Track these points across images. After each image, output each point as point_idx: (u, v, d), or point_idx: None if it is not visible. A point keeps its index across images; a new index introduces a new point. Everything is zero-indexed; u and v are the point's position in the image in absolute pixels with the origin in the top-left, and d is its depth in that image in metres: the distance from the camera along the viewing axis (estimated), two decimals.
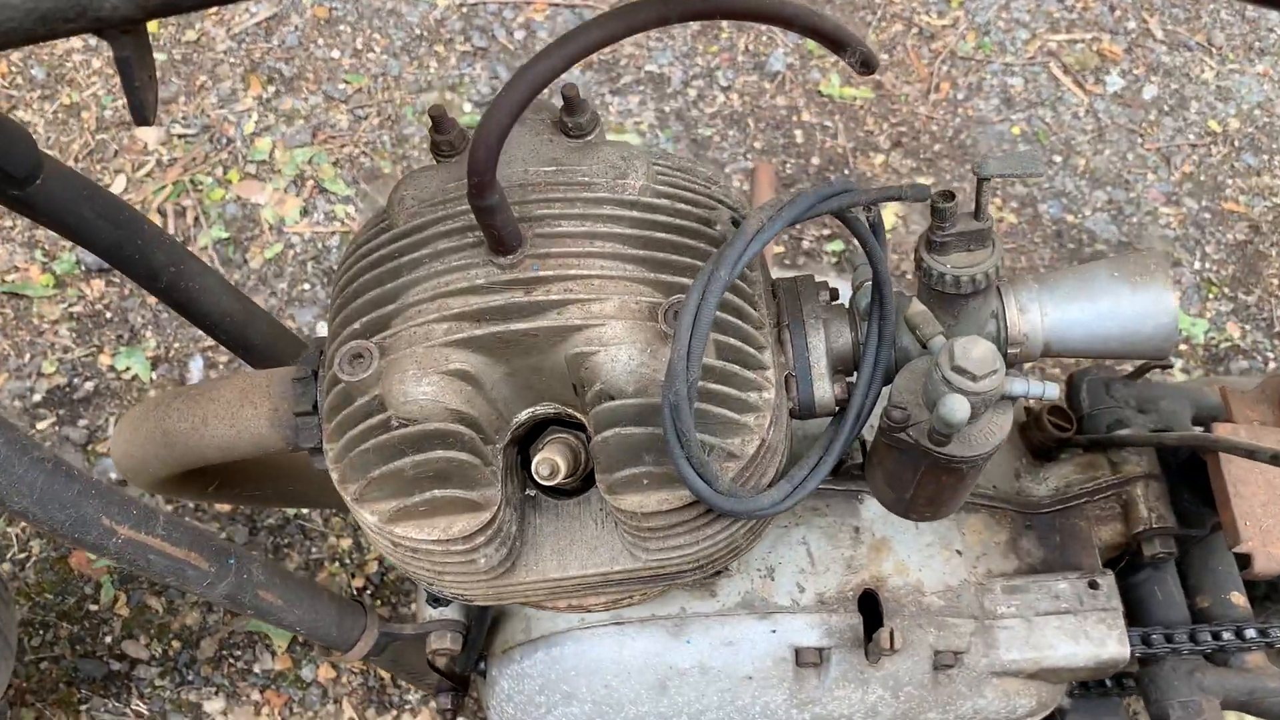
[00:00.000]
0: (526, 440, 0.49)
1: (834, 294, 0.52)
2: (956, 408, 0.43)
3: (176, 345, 1.24)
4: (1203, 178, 1.49)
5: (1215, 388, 0.70)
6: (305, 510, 1.13)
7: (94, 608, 1.07)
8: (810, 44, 1.56)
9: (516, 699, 0.64)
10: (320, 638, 0.60)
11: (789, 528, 0.64)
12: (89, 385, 1.20)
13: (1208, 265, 1.45)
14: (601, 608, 0.55)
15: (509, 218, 0.42)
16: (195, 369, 1.22)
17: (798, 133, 1.45)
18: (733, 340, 0.45)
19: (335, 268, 0.46)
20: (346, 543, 1.14)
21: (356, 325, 0.46)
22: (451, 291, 0.43)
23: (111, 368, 1.22)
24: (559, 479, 0.47)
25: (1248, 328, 1.40)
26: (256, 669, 1.07)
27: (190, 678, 1.06)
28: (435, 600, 0.61)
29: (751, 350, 0.46)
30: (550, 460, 0.46)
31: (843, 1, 1.59)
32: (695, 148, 1.45)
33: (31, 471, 0.44)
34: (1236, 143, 1.53)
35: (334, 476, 0.47)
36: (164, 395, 0.56)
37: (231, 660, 1.07)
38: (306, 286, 1.29)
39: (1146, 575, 0.74)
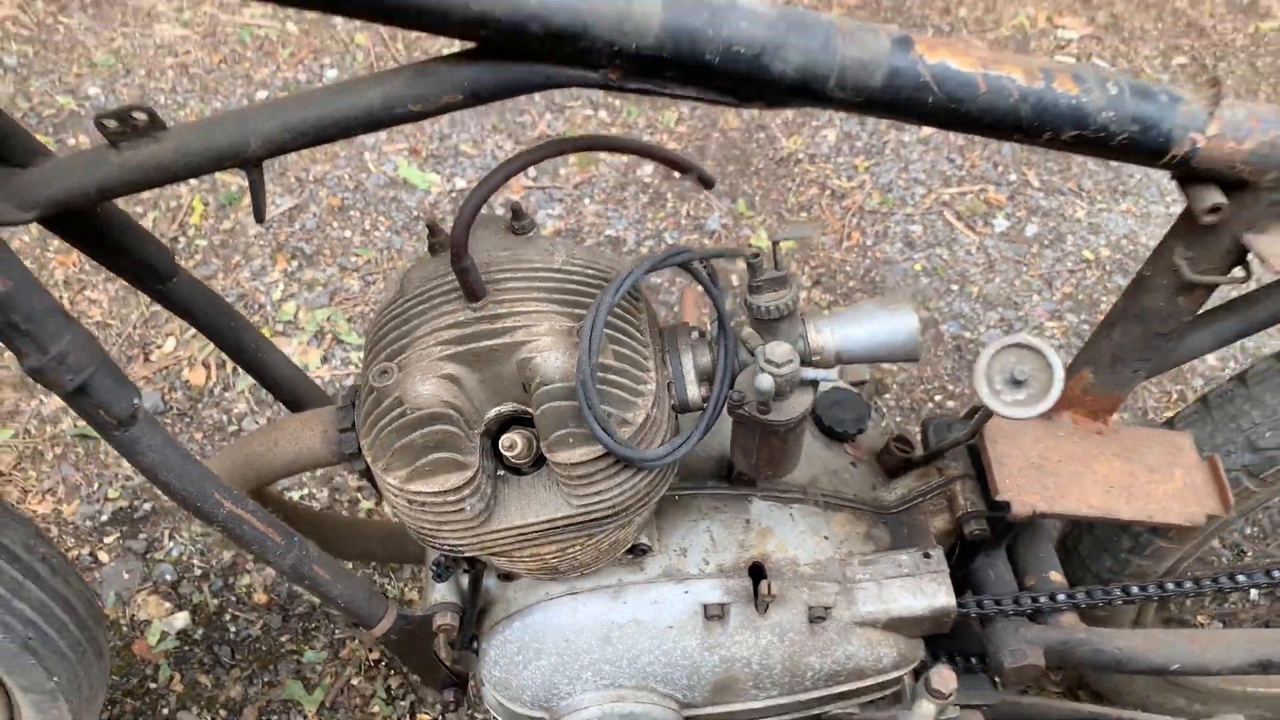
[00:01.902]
0: (496, 435, 0.73)
1: (702, 333, 0.77)
2: (764, 381, 0.68)
3: None
4: (1080, 297, 1.77)
5: None
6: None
7: (153, 685, 1.27)
8: (740, 205, 1.87)
9: (501, 661, 0.85)
10: (355, 611, 0.82)
11: (697, 520, 0.87)
12: (146, 506, 1.43)
13: None
14: (555, 558, 0.77)
15: (478, 277, 0.68)
16: None
17: (733, 276, 1.74)
18: (624, 350, 0.70)
19: (366, 334, 0.67)
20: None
21: (383, 354, 0.70)
22: (443, 326, 0.69)
23: None
24: (517, 454, 0.70)
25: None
26: None
27: None
28: (438, 572, 0.83)
29: (637, 358, 0.70)
30: (513, 439, 0.70)
31: (767, 172, 1.91)
32: (648, 289, 1.73)
33: (177, 458, 0.68)
34: (1108, 267, 1.82)
35: (368, 458, 0.71)
36: (246, 434, 0.81)
37: None
38: None
39: (982, 561, 0.96)
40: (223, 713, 1.26)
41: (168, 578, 1.35)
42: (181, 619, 1.32)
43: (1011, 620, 0.91)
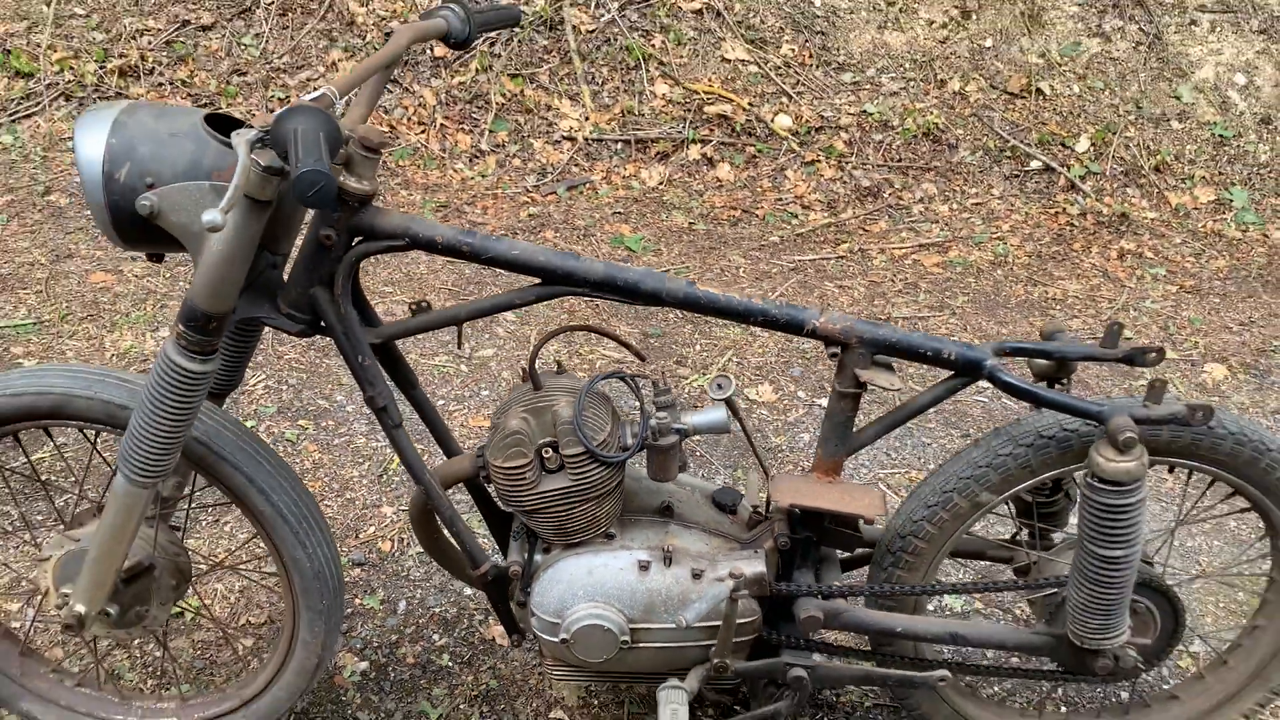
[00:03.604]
0: (540, 450, 1.67)
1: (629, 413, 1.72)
2: (655, 424, 1.63)
3: None
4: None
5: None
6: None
7: (343, 698, 2.10)
8: (738, 473, 2.79)
9: (540, 594, 1.71)
10: (471, 551, 1.72)
11: (640, 528, 1.76)
12: (358, 602, 2.32)
13: None
14: (565, 521, 1.66)
15: (538, 383, 1.67)
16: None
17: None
18: (594, 411, 1.65)
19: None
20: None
21: (499, 413, 1.68)
22: (523, 400, 1.66)
23: None
24: (549, 459, 1.65)
25: None
26: None
27: None
28: (516, 534, 1.73)
29: (601, 415, 1.65)
30: (549, 452, 1.65)
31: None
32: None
33: (412, 452, 1.65)
34: None
35: (489, 456, 1.65)
36: (444, 461, 1.77)
37: None
38: None
39: (800, 568, 1.78)
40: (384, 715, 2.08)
41: (357, 645, 2.23)
42: (364, 665, 2.18)
43: (807, 597, 1.74)
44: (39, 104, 4.56)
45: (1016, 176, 4.53)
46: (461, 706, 2.08)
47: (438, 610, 2.32)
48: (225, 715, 1.91)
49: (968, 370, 1.61)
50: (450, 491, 1.90)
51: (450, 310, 1.61)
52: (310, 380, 3.07)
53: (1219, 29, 4.78)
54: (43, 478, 2.52)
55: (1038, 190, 4.50)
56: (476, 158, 4.36)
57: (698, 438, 2.67)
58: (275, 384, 3.05)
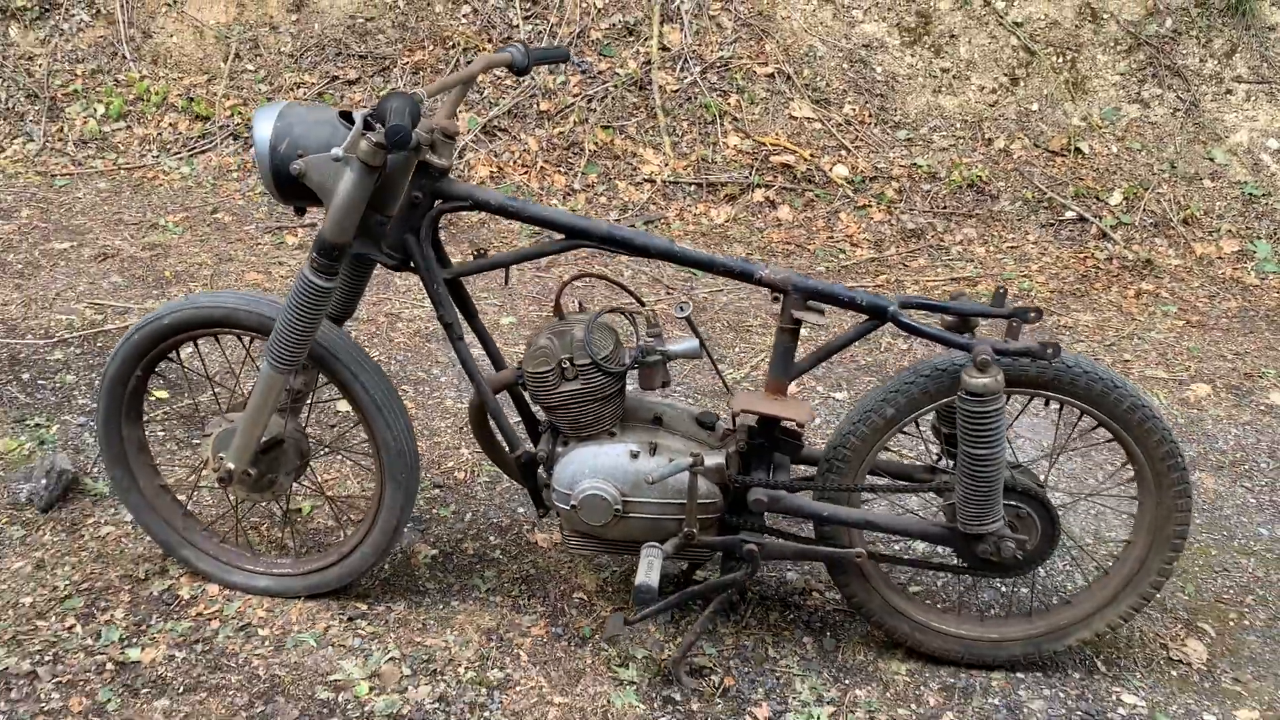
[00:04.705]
0: (561, 363, 2.28)
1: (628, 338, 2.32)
2: (646, 349, 2.22)
3: None
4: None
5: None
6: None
7: (416, 571, 2.72)
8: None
9: (558, 472, 2.31)
10: (509, 437, 2.34)
11: (636, 431, 2.34)
12: (435, 511, 2.96)
13: None
14: (579, 416, 2.25)
15: (562, 314, 2.28)
16: None
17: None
18: (600, 333, 2.25)
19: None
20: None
21: (530, 340, 2.30)
22: (551, 324, 2.28)
23: None
24: (567, 370, 2.25)
25: None
26: None
27: None
28: (543, 430, 2.33)
29: (606, 337, 2.25)
30: (567, 364, 2.26)
31: None
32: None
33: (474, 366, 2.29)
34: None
35: (526, 368, 2.27)
36: (491, 374, 2.39)
37: None
38: None
39: (757, 468, 2.33)
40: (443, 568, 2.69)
41: (431, 539, 2.85)
42: (434, 552, 2.80)
43: (757, 487, 2.29)
44: (212, 142, 5.48)
45: (1052, 225, 5.01)
46: (505, 584, 2.68)
47: (495, 521, 2.94)
48: (326, 567, 2.55)
49: (875, 314, 2.17)
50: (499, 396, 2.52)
51: (500, 256, 2.26)
52: (414, 358, 3.77)
53: (1254, 98, 5.21)
54: (211, 376, 3.25)
55: (1070, 237, 4.96)
56: (569, 195, 5.07)
57: (681, 362, 3.25)
58: (387, 359, 3.75)
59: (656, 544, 2.30)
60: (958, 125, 5.32)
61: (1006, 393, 2.13)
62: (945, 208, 5.05)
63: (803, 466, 2.46)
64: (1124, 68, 5.31)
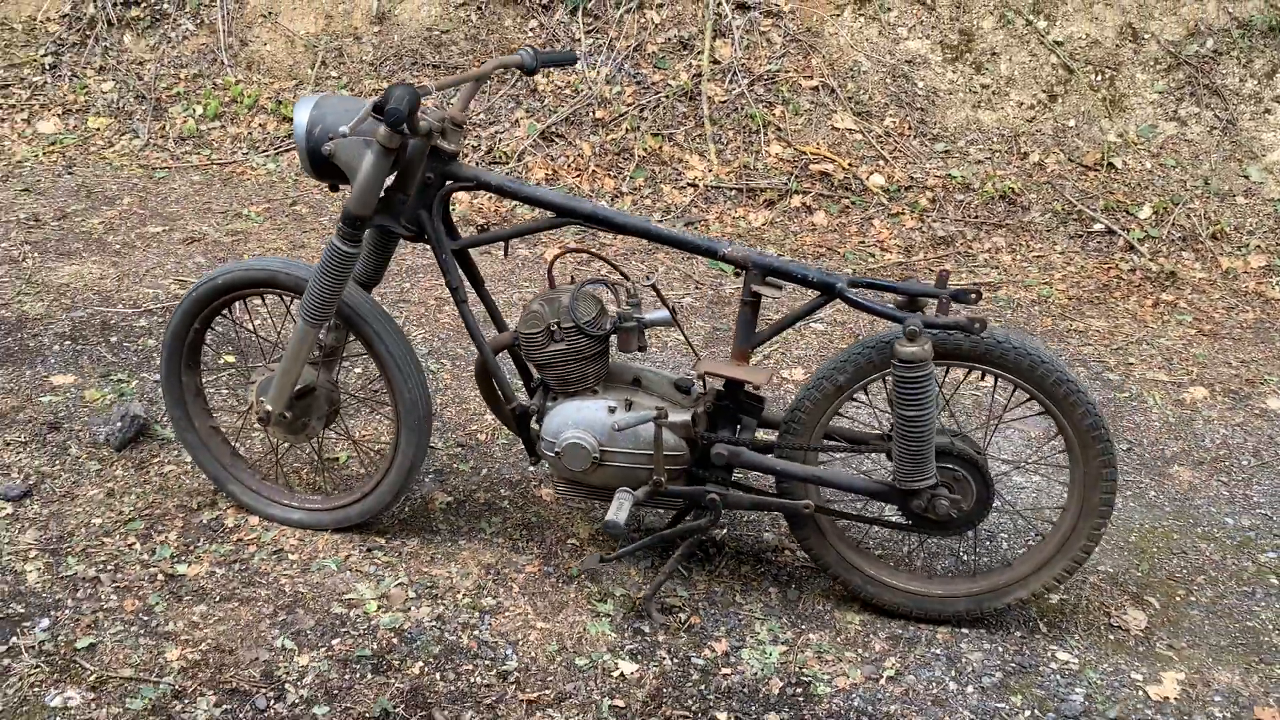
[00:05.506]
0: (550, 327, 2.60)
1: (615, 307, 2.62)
2: (623, 316, 2.53)
3: None
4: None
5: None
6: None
7: (429, 513, 3.06)
8: None
9: (546, 424, 2.63)
10: (506, 392, 2.66)
11: (616, 391, 2.64)
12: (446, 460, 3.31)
13: None
14: (566, 374, 2.57)
15: (554, 284, 2.60)
16: None
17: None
18: (585, 301, 2.57)
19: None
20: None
21: (526, 305, 2.62)
22: (545, 293, 2.60)
23: None
24: (556, 333, 2.57)
25: None
26: None
27: None
28: (533, 388, 2.65)
29: (590, 305, 2.56)
30: (557, 328, 2.58)
31: None
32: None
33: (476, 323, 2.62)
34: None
35: (520, 330, 2.59)
36: (494, 335, 2.72)
37: None
38: None
39: (725, 430, 2.61)
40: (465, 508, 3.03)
41: (447, 488, 3.19)
42: (448, 499, 3.14)
43: (720, 443, 2.57)
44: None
45: (1079, 236, 5.17)
46: (508, 529, 3.01)
47: (508, 476, 3.27)
48: (349, 504, 2.91)
49: (824, 289, 2.44)
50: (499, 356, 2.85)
51: (500, 230, 2.59)
52: (455, 336, 4.13)
53: None
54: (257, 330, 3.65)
55: (1097, 249, 5.12)
56: (617, 197, 5.40)
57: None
58: (429, 336, 4.13)
59: (629, 489, 2.60)
60: (994, 139, 5.51)
61: (940, 364, 2.37)
62: (976, 217, 5.24)
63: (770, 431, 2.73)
64: (1162, 86, 5.44)
